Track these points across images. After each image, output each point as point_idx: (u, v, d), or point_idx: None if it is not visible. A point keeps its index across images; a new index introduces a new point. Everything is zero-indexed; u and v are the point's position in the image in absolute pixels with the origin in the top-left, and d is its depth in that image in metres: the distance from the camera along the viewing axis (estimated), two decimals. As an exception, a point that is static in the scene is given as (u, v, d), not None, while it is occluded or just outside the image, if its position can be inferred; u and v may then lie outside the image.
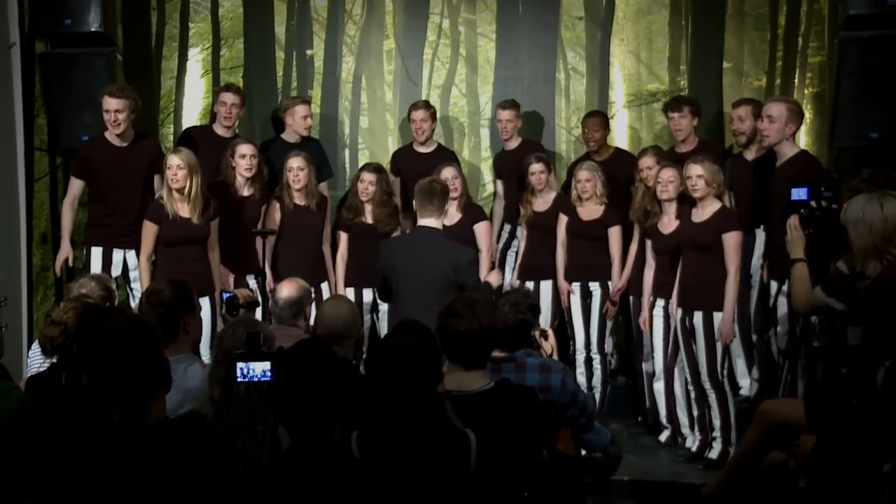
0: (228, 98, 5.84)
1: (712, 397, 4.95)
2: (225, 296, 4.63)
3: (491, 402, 3.04)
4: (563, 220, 5.66)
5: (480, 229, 5.69)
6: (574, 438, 3.70)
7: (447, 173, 5.51)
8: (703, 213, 4.95)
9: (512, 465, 2.97)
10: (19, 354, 5.15)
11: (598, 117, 6.04)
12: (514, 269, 5.94)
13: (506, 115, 6.01)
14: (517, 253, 5.97)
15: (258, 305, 4.76)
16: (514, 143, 6.11)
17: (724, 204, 5.00)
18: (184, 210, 5.18)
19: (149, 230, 5.21)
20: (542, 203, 5.77)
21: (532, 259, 5.80)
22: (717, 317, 4.88)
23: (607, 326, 5.62)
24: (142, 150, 5.51)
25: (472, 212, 5.76)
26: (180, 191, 5.15)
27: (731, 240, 4.86)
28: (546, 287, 5.72)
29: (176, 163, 5.13)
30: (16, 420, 2.84)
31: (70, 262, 5.54)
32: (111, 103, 5.31)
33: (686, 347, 5.01)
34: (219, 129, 5.91)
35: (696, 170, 4.92)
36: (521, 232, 5.96)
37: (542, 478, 3.25)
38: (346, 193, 6.12)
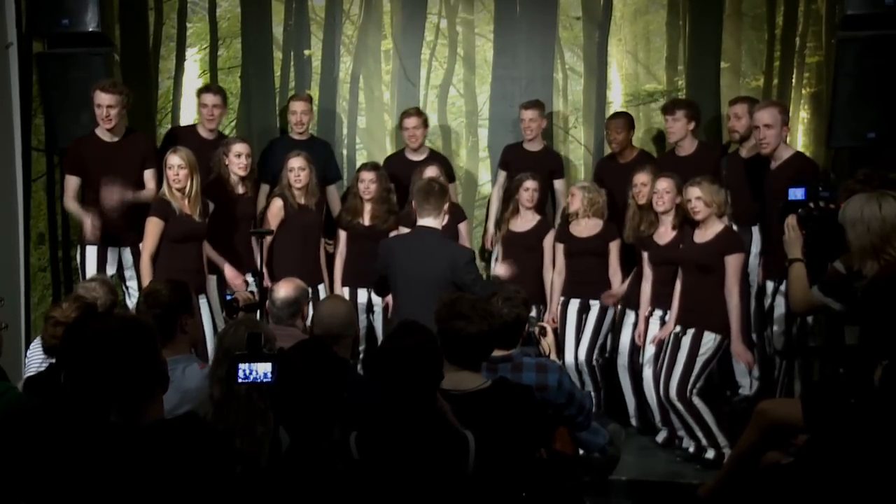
0: (209, 99, 5.81)
1: (685, 415, 4.90)
2: (227, 297, 4.63)
3: (488, 400, 3.04)
4: (558, 246, 5.62)
5: (461, 229, 5.71)
6: (572, 437, 3.70)
7: (429, 173, 5.49)
8: (706, 233, 4.90)
9: (509, 464, 2.97)
10: (18, 355, 5.16)
11: (621, 119, 5.95)
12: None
13: (528, 114, 5.98)
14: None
15: (258, 307, 4.76)
16: (536, 146, 6.05)
17: (726, 225, 4.93)
18: (185, 208, 5.19)
19: (155, 227, 5.16)
20: (524, 223, 5.73)
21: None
22: (708, 336, 4.83)
23: (597, 343, 5.53)
24: (133, 145, 5.48)
25: (454, 212, 5.73)
26: (182, 190, 5.16)
27: (734, 262, 4.82)
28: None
29: (177, 162, 5.13)
30: (11, 420, 2.83)
31: (97, 224, 5.18)
32: (103, 98, 5.30)
33: (668, 363, 4.94)
34: (202, 132, 5.86)
35: (694, 192, 4.86)
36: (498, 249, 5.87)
37: (540, 477, 3.26)
38: (345, 194, 6.13)
